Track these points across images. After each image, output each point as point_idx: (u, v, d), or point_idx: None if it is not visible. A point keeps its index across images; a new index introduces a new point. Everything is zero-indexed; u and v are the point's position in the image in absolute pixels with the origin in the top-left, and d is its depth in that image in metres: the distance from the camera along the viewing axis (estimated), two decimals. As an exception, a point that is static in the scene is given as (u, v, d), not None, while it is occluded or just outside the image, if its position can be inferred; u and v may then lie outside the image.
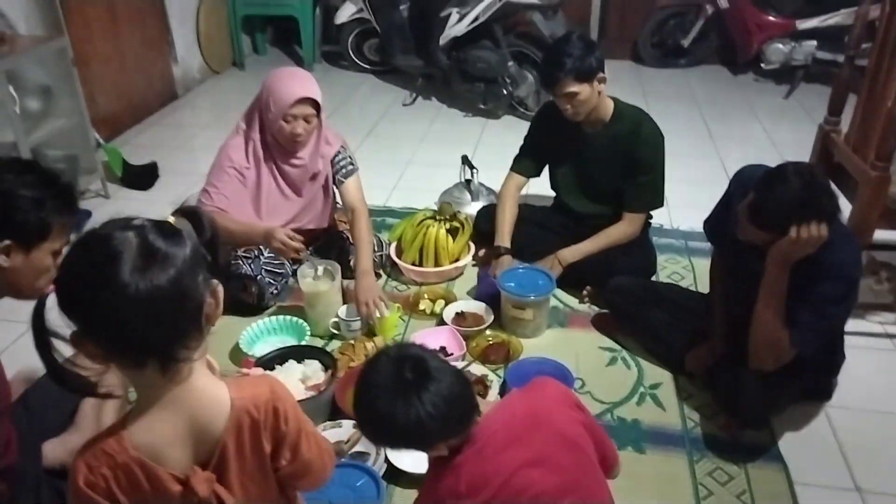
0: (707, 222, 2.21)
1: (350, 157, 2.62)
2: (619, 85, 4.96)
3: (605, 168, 2.56)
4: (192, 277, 0.91)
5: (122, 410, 1.91)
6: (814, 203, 1.68)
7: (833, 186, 1.79)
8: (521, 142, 2.77)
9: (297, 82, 2.35)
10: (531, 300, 2.35)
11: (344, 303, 2.45)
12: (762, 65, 4.89)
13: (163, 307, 0.87)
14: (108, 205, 3.39)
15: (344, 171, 2.59)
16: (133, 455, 0.95)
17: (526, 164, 2.74)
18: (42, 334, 0.92)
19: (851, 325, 2.35)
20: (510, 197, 2.72)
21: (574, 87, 2.35)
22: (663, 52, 5.39)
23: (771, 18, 4.76)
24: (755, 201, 1.75)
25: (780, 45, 4.75)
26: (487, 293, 2.54)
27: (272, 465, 1.08)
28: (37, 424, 1.64)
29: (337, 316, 2.40)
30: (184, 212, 1.00)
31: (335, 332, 2.40)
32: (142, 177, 3.61)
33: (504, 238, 2.66)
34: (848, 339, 2.13)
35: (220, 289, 0.98)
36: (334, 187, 2.63)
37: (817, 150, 2.57)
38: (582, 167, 2.63)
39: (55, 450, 1.64)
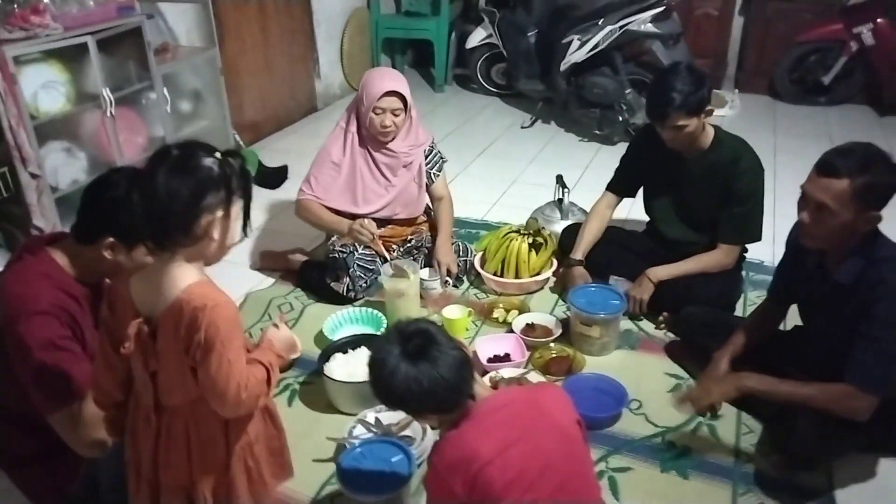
0: (771, 289, 2.22)
1: (440, 153, 2.89)
2: (751, 119, 4.84)
3: (701, 195, 2.54)
4: (192, 195, 1.25)
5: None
6: (880, 159, 1.72)
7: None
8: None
9: (386, 78, 2.63)
10: (598, 318, 2.39)
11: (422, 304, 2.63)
12: (910, 106, 4.56)
13: (157, 204, 1.24)
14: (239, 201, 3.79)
15: (437, 166, 2.87)
16: (128, 287, 1.36)
17: (620, 183, 2.78)
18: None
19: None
20: (597, 215, 2.77)
21: (683, 121, 2.35)
22: (803, 89, 5.14)
23: (923, 57, 4.45)
24: (827, 153, 1.78)
25: (933, 86, 4.41)
26: None
27: (189, 361, 1.32)
28: None
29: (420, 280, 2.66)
30: (227, 152, 1.33)
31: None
32: (273, 177, 3.99)
33: (578, 251, 2.72)
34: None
35: (219, 215, 1.29)
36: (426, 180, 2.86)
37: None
38: (678, 193, 2.62)
39: None
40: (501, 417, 1.33)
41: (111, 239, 1.56)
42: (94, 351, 1.63)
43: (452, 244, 2.88)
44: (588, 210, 3.02)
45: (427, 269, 2.77)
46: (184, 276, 1.30)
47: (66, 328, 1.56)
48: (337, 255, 2.75)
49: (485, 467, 1.26)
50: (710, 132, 2.50)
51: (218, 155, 1.30)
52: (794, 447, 1.90)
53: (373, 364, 1.35)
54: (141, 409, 1.41)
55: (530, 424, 1.33)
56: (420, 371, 1.28)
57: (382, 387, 1.33)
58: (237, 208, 1.34)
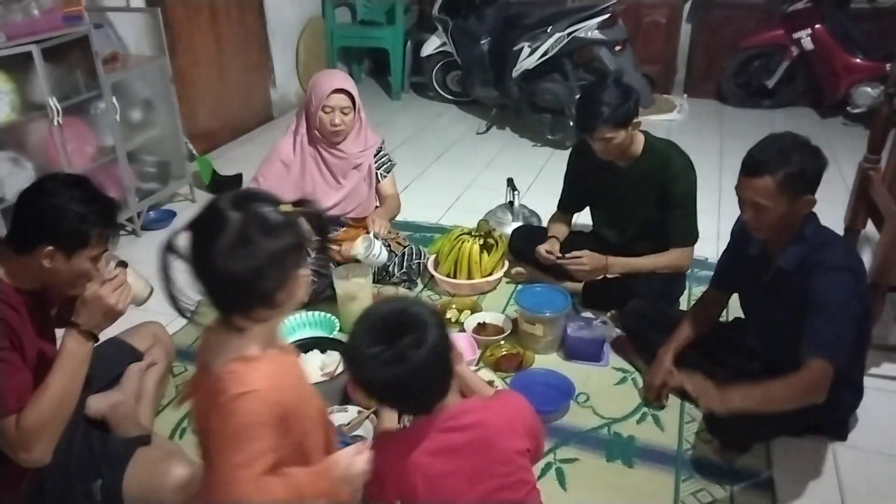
0: (714, 278, 2.28)
1: (389, 155, 2.94)
2: (699, 123, 4.99)
3: (639, 200, 2.61)
4: (268, 267, 1.13)
5: (165, 379, 2.18)
6: (798, 147, 1.80)
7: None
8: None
9: (333, 77, 2.70)
10: (541, 317, 2.44)
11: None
12: (848, 108, 4.74)
13: (234, 285, 1.13)
14: (192, 208, 3.78)
15: (385, 167, 2.91)
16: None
17: (567, 202, 2.87)
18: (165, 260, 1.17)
19: (872, 367, 2.30)
20: (559, 220, 2.86)
21: (611, 134, 2.41)
22: (748, 93, 5.30)
23: (858, 61, 4.63)
24: (747, 154, 1.85)
25: (869, 89, 4.59)
26: (575, 352, 2.51)
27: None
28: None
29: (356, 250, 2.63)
30: (301, 203, 1.20)
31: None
32: (227, 185, 3.98)
33: (552, 235, 2.76)
34: (868, 381, 2.10)
35: (302, 278, 1.21)
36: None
37: (856, 189, 2.53)
38: (618, 200, 2.69)
39: (98, 402, 1.89)
40: (448, 442, 1.32)
41: (50, 248, 1.53)
42: (34, 361, 1.61)
43: (405, 246, 2.93)
44: (538, 212, 3.10)
45: (361, 241, 2.65)
46: (243, 343, 1.20)
47: (4, 338, 1.53)
48: (290, 260, 2.76)
49: (416, 485, 1.29)
50: (641, 139, 2.56)
51: (289, 207, 1.18)
52: (723, 428, 1.98)
53: (350, 338, 1.32)
54: None
55: (478, 456, 1.32)
56: (397, 371, 1.24)
57: (354, 366, 1.30)
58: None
